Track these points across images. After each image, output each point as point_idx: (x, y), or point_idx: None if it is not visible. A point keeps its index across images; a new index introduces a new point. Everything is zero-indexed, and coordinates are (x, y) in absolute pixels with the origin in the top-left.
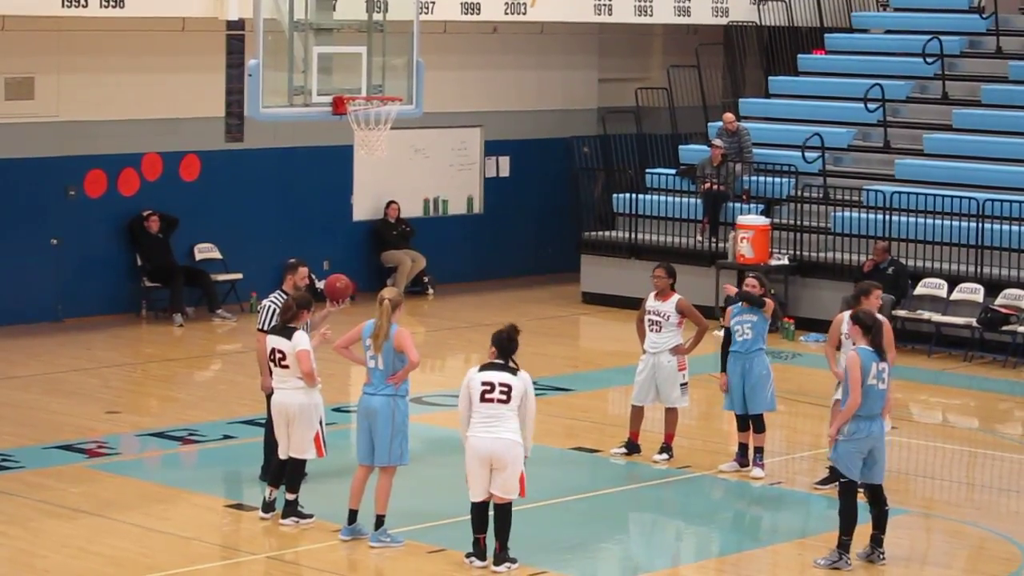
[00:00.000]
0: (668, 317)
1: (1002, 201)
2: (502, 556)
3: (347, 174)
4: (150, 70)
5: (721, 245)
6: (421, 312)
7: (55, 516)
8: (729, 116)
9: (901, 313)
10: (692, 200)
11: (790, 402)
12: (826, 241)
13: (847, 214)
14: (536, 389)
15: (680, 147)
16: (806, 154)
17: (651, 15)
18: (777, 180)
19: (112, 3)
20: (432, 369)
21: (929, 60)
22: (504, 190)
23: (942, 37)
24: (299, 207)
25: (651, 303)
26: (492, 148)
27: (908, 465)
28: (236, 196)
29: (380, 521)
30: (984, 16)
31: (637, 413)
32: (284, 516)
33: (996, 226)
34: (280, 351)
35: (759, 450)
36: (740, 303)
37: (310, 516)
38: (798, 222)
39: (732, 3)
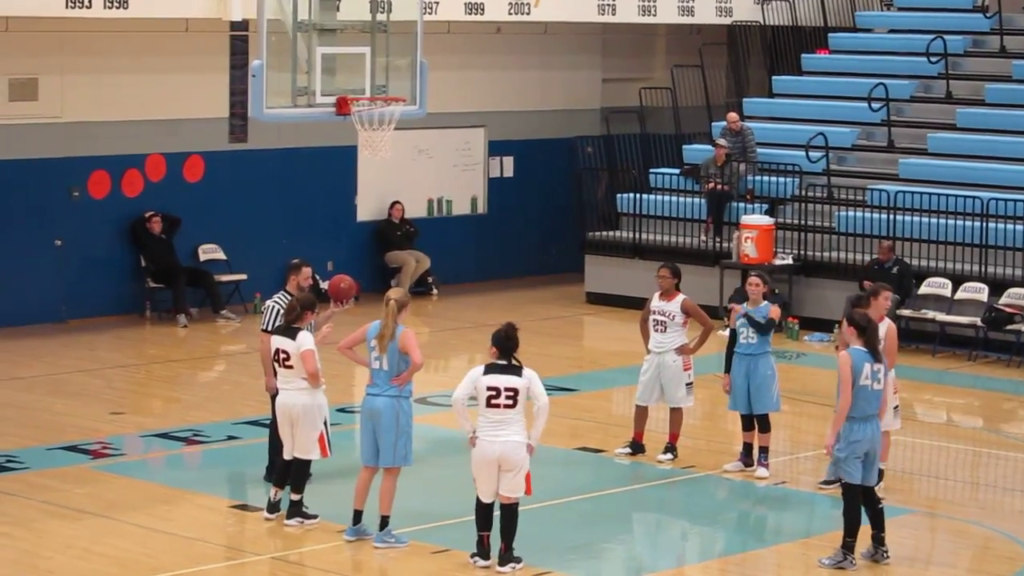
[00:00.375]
0: (673, 317)
1: (1006, 200)
2: (507, 556)
3: (351, 175)
4: (154, 71)
5: (725, 245)
6: (425, 312)
7: (59, 517)
8: (733, 116)
9: (905, 312)
10: (696, 200)
11: (794, 402)
12: (830, 241)
13: (851, 214)
14: None
15: (684, 147)
16: (810, 154)
17: (655, 15)
18: (781, 180)
19: (116, 4)
20: (436, 370)
21: (933, 59)
22: (508, 190)
23: (946, 36)
24: (303, 208)
25: (656, 303)
26: (496, 148)
27: (912, 464)
28: (240, 197)
29: (384, 522)
30: (988, 15)
31: (641, 413)
32: (289, 517)
33: (1000, 225)
34: (284, 351)
35: (763, 450)
36: (744, 303)
37: (315, 517)
38: (802, 222)
39: (736, 3)
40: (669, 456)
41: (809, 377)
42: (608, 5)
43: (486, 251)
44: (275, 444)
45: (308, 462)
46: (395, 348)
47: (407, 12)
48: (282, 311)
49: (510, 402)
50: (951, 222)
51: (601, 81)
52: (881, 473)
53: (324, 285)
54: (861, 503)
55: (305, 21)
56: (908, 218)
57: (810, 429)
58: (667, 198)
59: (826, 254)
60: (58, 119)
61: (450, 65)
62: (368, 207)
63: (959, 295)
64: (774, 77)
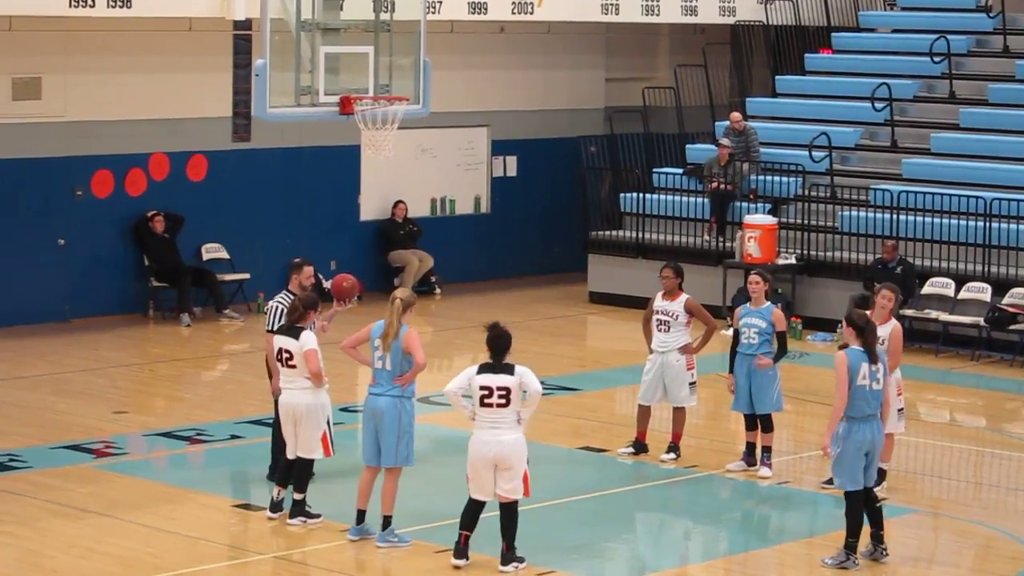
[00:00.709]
0: (676, 316)
1: (1009, 200)
2: (509, 555)
3: (354, 174)
4: (157, 70)
5: (728, 244)
6: (428, 312)
7: (62, 516)
8: (736, 115)
9: (909, 312)
10: (699, 199)
11: (797, 401)
12: (833, 240)
13: (854, 213)
14: (544, 389)
15: (687, 146)
16: (813, 153)
17: (658, 14)
18: (784, 179)
19: (119, 3)
20: (439, 369)
21: (936, 59)
22: (511, 190)
23: (949, 36)
24: (306, 207)
25: (659, 303)
26: (499, 148)
27: (916, 464)
28: (243, 196)
29: (387, 522)
30: (991, 15)
31: (644, 412)
32: (292, 516)
33: (1003, 225)
34: (287, 351)
35: (767, 449)
36: (747, 303)
37: (317, 516)
38: (805, 221)
39: (739, 2)
40: (672, 456)
41: (812, 377)
42: (611, 5)
43: (489, 251)
44: (278, 443)
45: (311, 461)
46: (398, 347)
47: (410, 11)
48: (285, 310)
49: (503, 401)
50: (954, 222)
51: (604, 81)
52: (884, 473)
53: (327, 284)
54: (862, 505)
55: (309, 20)
56: (911, 218)
57: (813, 429)
58: (670, 198)
59: (829, 254)
60: (61, 118)
61: (453, 64)
62: (371, 206)
63: (962, 295)
64: (777, 77)
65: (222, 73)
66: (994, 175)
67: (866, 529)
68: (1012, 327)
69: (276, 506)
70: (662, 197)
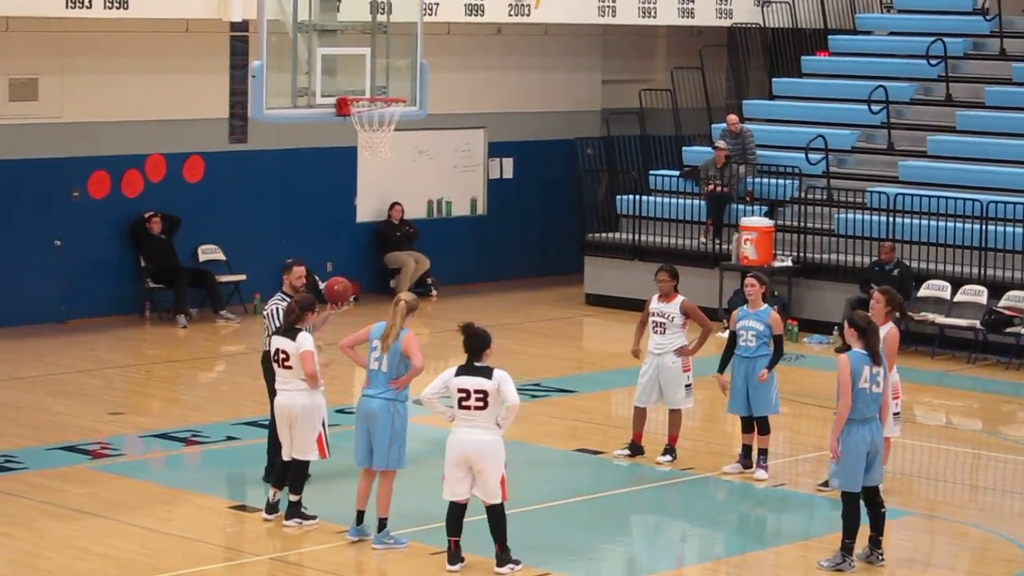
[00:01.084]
0: (672, 319)
1: (1006, 203)
2: (504, 557)
3: (351, 175)
4: (154, 71)
5: (725, 247)
6: (424, 314)
7: (58, 517)
8: (733, 118)
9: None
10: (696, 202)
11: (794, 404)
12: (830, 243)
13: (851, 216)
14: (540, 391)
15: (684, 149)
16: (810, 156)
17: (655, 17)
18: (781, 182)
19: (116, 4)
20: (435, 371)
21: (933, 62)
22: (508, 192)
23: (946, 39)
24: (303, 208)
25: (655, 305)
26: (496, 150)
27: (912, 467)
28: (240, 197)
29: (383, 524)
30: (988, 18)
31: (640, 414)
32: (288, 517)
33: (1000, 228)
34: (284, 352)
35: (763, 452)
36: (744, 306)
37: (313, 517)
38: (802, 224)
39: (736, 5)
40: (668, 458)
41: (808, 379)
42: (608, 7)
43: (486, 252)
44: (274, 445)
45: (307, 463)
46: (397, 350)
47: (407, 13)
48: (282, 311)
49: (480, 404)
50: (951, 225)
51: (601, 83)
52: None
53: (323, 286)
54: (859, 507)
55: (305, 22)
56: (908, 220)
57: (809, 431)
58: (667, 200)
59: (825, 256)
60: (58, 119)
61: (450, 66)
62: (368, 208)
63: (958, 297)
64: (774, 79)
65: (219, 74)
66: (991, 178)
67: (865, 530)
68: (1008, 330)
69: (272, 507)
70: (658, 199)
